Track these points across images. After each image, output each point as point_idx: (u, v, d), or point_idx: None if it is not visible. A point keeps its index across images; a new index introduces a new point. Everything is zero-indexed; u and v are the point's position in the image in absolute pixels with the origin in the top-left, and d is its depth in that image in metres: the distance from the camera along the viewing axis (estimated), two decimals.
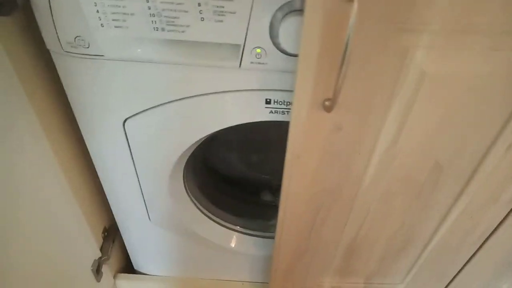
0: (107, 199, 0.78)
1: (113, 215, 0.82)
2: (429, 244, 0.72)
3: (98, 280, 0.81)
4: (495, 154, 0.54)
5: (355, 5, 0.37)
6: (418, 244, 0.72)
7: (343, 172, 0.57)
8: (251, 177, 0.92)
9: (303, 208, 0.64)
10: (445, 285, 0.82)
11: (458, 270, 0.77)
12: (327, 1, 0.38)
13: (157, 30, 0.47)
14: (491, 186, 0.59)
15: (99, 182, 0.74)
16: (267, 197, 0.90)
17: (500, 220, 0.65)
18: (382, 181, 0.59)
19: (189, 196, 0.75)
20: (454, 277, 0.80)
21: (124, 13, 0.46)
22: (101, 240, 0.86)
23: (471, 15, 0.40)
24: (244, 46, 0.48)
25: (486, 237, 0.69)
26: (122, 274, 0.94)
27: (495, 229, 0.67)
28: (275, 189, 0.91)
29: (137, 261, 0.94)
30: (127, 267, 0.98)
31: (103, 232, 0.87)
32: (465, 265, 0.76)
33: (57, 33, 0.49)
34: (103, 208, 0.86)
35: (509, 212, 0.63)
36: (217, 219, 0.81)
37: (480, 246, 0.71)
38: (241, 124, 0.58)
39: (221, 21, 0.46)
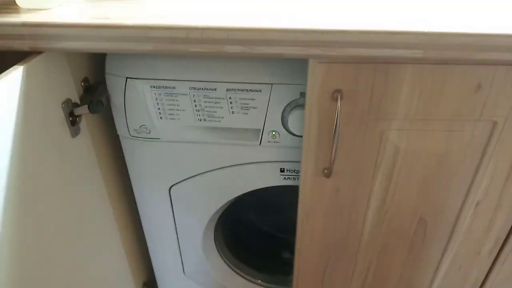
0: (147, 256, 0.92)
1: (151, 271, 0.95)
2: None
3: None
4: (468, 211, 0.66)
5: (338, 104, 0.53)
6: None
7: (345, 227, 0.70)
8: (272, 238, 1.04)
9: (314, 262, 0.76)
10: None
11: None
12: (320, 101, 0.55)
13: (200, 120, 0.65)
14: (471, 239, 0.70)
15: (143, 239, 0.88)
16: (286, 254, 1.02)
17: (487, 271, 0.75)
18: (378, 236, 0.71)
19: (218, 251, 0.89)
20: None
21: (177, 110, 0.65)
22: None
23: (425, 109, 0.56)
24: (263, 130, 0.65)
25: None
26: None
27: (484, 281, 0.76)
28: (293, 249, 1.02)
29: None
30: None
31: (143, 286, 1.00)
32: None
33: (127, 123, 0.68)
34: (144, 264, 1.00)
35: (492, 265, 0.74)
36: (241, 273, 0.93)
37: None
38: (262, 191, 0.74)
39: (246, 113, 0.64)
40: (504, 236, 0.69)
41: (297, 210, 0.69)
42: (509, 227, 0.68)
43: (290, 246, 1.04)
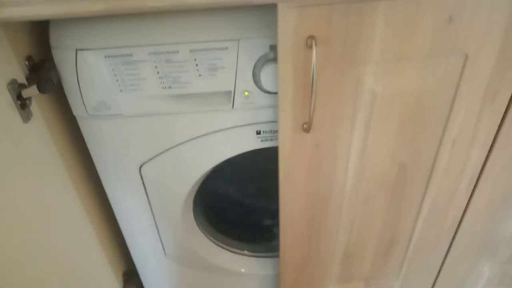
0: (123, 245, 0.87)
1: (130, 260, 0.90)
2: (411, 239, 0.82)
3: None
4: (445, 150, 0.67)
5: (314, 51, 0.51)
6: (402, 240, 0.83)
7: (328, 182, 0.69)
8: (251, 206, 1.02)
9: (300, 220, 0.75)
10: (435, 275, 0.92)
11: (442, 258, 0.88)
12: (293, 51, 0.52)
13: (165, 88, 0.60)
14: (449, 178, 0.71)
15: (117, 229, 0.83)
16: (267, 221, 1.00)
17: (464, 207, 0.77)
18: (360, 186, 0.71)
19: (199, 228, 0.85)
20: (441, 266, 0.90)
21: (138, 79, 0.59)
22: (123, 283, 0.94)
23: (400, 48, 0.54)
24: (234, 91, 0.61)
25: (457, 224, 0.80)
26: None
27: (463, 216, 0.79)
28: (273, 214, 1.01)
29: None
30: None
31: (123, 276, 0.95)
32: (447, 253, 0.87)
33: (83, 101, 0.62)
34: (121, 253, 0.95)
35: (469, 199, 0.76)
36: (226, 246, 0.91)
37: (455, 233, 0.82)
38: (237, 160, 0.70)
39: (215, 75, 0.59)
40: (478, 171, 0.71)
41: (275, 173, 0.66)
42: (483, 161, 0.70)
43: (269, 212, 1.03)
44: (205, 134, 0.66)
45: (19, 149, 0.54)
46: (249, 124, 0.66)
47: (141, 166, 0.71)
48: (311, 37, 0.51)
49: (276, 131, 0.67)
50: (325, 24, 0.50)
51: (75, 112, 0.64)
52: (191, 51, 0.57)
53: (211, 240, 0.88)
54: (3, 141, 0.51)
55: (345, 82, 0.57)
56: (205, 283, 0.95)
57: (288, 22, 0.50)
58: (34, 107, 0.58)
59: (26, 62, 0.58)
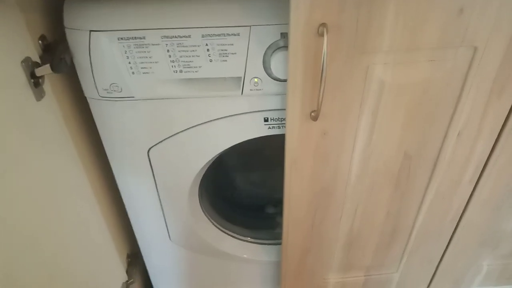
0: (129, 227, 0.88)
1: (134, 243, 0.92)
2: (413, 230, 0.83)
3: None
4: (450, 141, 0.67)
5: (325, 39, 0.51)
6: (404, 231, 0.84)
7: (333, 171, 0.70)
8: (255, 194, 1.04)
9: (304, 209, 0.76)
10: (435, 267, 0.93)
11: (443, 251, 0.89)
12: (304, 38, 0.53)
13: (176, 72, 0.61)
14: (452, 170, 0.72)
15: (123, 211, 0.84)
16: (270, 209, 1.02)
17: (467, 199, 0.78)
18: (365, 176, 0.72)
19: (204, 213, 0.87)
20: (441, 259, 0.91)
21: (150, 62, 0.60)
22: (126, 265, 0.96)
23: (410, 38, 0.55)
24: (244, 77, 0.62)
25: (459, 217, 0.81)
26: None
27: (465, 208, 0.80)
28: (276, 203, 1.03)
29: (158, 284, 1.02)
30: None
31: (127, 258, 0.97)
32: (447, 246, 0.88)
33: (95, 82, 0.63)
34: (126, 235, 0.96)
35: (472, 192, 0.77)
36: (230, 232, 0.92)
37: (457, 226, 0.83)
38: (244, 148, 0.71)
39: (225, 60, 0.60)
40: (483, 164, 0.72)
41: (280, 161, 0.67)
42: (487, 154, 0.71)
43: (273, 201, 1.05)
44: (214, 120, 0.67)
45: (31, 126, 0.55)
46: (257, 111, 0.67)
47: (149, 149, 0.72)
48: (323, 24, 0.51)
49: (284, 119, 0.68)
50: (337, 12, 0.51)
51: (86, 94, 0.65)
52: (203, 36, 0.58)
53: (215, 225, 0.90)
54: (16, 117, 0.52)
55: (354, 71, 0.57)
56: (208, 268, 0.96)
57: (300, 9, 0.50)
58: (47, 86, 0.58)
59: (40, 42, 0.59)
